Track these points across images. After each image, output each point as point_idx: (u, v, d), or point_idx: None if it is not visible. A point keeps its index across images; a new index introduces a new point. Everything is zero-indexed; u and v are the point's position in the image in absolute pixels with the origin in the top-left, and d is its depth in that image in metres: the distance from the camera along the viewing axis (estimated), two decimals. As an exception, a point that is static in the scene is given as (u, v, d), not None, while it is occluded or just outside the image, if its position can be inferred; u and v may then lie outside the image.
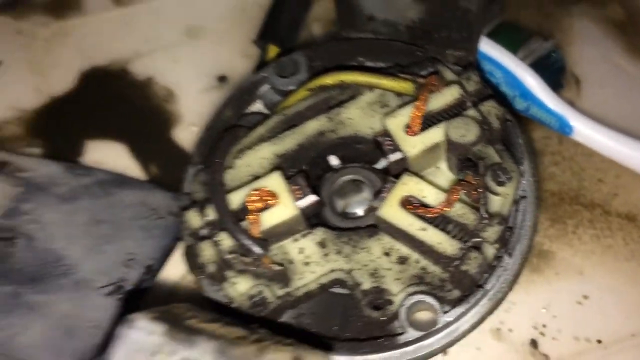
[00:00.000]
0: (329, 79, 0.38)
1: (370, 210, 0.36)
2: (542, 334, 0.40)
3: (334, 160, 0.39)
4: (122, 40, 0.51)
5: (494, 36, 0.46)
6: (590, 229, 0.43)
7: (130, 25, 0.52)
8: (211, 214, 0.35)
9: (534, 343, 0.40)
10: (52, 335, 0.32)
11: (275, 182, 0.35)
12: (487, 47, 0.44)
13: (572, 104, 0.47)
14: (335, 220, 0.37)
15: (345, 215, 0.38)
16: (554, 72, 0.46)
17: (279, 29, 0.48)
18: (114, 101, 0.48)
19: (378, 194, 0.35)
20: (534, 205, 0.35)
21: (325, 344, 0.31)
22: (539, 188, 0.36)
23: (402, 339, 0.32)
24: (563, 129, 0.44)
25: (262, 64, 0.47)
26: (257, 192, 0.34)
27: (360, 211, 0.38)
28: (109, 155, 0.46)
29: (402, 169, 0.35)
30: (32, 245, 0.35)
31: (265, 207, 0.34)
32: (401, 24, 0.40)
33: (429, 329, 0.32)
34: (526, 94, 0.44)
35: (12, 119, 0.47)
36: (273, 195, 0.34)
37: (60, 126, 0.47)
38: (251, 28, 0.51)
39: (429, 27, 0.39)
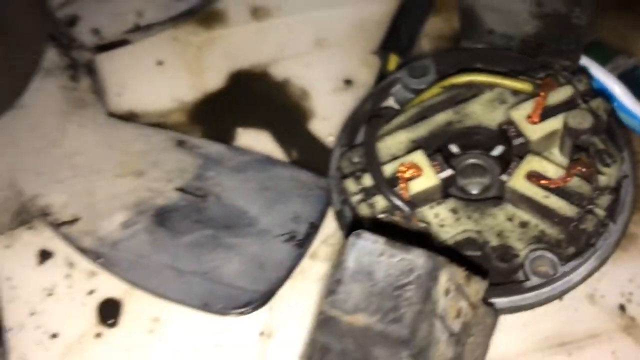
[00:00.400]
0: (460, 79, 0.46)
1: (497, 185, 0.44)
2: (629, 300, 0.45)
3: (454, 148, 0.47)
4: (261, 48, 0.59)
5: (586, 52, 0.54)
6: None
7: (266, 36, 0.60)
8: (366, 182, 0.43)
9: (622, 307, 0.46)
10: (248, 268, 0.39)
11: (419, 158, 0.43)
12: (583, 60, 0.52)
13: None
14: (461, 195, 0.45)
15: (465, 192, 0.46)
16: (638, 85, 0.54)
17: (400, 41, 0.56)
18: (257, 97, 0.56)
19: (505, 171, 0.43)
20: (632, 184, 0.43)
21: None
22: (635, 170, 0.44)
23: (527, 285, 0.40)
24: (646, 133, 0.51)
25: (383, 71, 0.55)
26: (405, 164, 0.42)
27: (476, 190, 0.46)
28: (256, 141, 0.53)
29: (524, 151, 0.43)
30: (220, 202, 0.43)
31: (411, 178, 0.42)
32: (517, 37, 0.47)
33: (548, 278, 0.40)
34: (614, 101, 0.52)
35: (175, 109, 0.55)
36: (418, 168, 0.42)
37: (214, 116, 0.54)
38: (369, 41, 0.58)
39: (541, 39, 0.47)
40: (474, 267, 0.33)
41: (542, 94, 0.43)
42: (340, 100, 0.55)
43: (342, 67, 0.58)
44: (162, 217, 0.42)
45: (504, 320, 0.43)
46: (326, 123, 0.54)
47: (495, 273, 0.40)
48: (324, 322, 0.29)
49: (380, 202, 0.42)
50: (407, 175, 0.42)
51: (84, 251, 0.41)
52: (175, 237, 0.41)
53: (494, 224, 0.42)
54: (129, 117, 0.53)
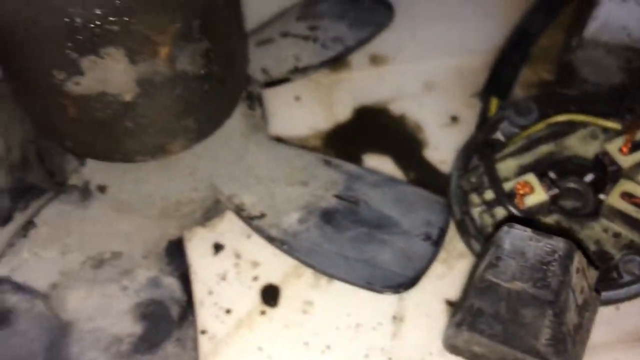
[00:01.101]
0: (562, 118, 0.57)
1: (593, 202, 0.54)
2: None
3: (552, 174, 0.58)
4: (379, 89, 0.69)
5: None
6: None
7: (383, 79, 0.70)
8: (488, 196, 0.54)
9: None
10: (398, 258, 0.49)
11: (531, 178, 0.53)
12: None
13: None
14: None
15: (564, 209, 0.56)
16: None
17: (500, 85, 0.67)
18: (379, 128, 0.65)
19: (601, 191, 0.53)
20: None
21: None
22: None
23: (620, 281, 0.50)
24: None
25: (485, 111, 0.67)
26: (521, 183, 0.53)
27: (578, 204, 0.55)
28: (380, 164, 0.62)
29: (618, 176, 0.53)
30: (369, 208, 0.53)
31: (525, 194, 0.53)
32: (605, 85, 0.58)
33: (637, 276, 0.50)
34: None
35: (312, 135, 0.66)
36: (531, 187, 0.53)
37: (344, 142, 0.64)
38: (469, 86, 0.68)
39: (625, 87, 0.58)
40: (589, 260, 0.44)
41: (632, 129, 0.53)
42: (449, 133, 0.65)
43: (448, 106, 0.68)
44: (328, 217, 0.53)
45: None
46: (437, 152, 0.64)
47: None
48: (484, 289, 0.39)
49: (500, 212, 0.52)
50: (522, 192, 0.52)
51: (271, 239, 0.51)
52: (340, 232, 0.52)
53: (592, 234, 0.52)
54: (279, 141, 0.65)
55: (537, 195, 0.52)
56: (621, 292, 0.49)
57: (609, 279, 0.50)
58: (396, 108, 0.69)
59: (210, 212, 0.55)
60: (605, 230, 0.52)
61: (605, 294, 0.49)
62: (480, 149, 0.58)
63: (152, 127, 0.49)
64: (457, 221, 0.55)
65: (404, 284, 0.49)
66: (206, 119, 0.52)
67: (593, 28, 0.55)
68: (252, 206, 0.53)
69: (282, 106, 0.68)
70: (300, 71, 0.63)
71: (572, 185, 0.56)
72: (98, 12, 0.41)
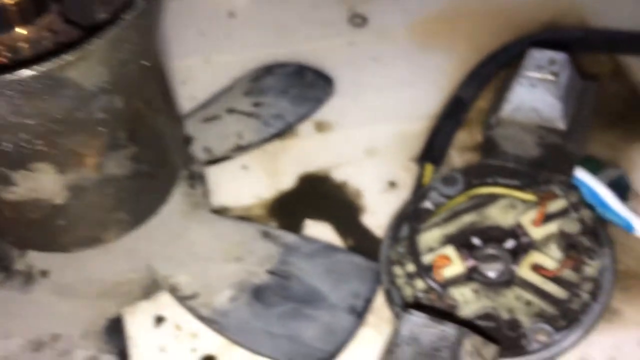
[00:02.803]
0: (482, 190, 0.61)
1: (505, 272, 0.57)
2: None
3: (476, 241, 0.61)
4: (323, 156, 0.72)
5: (582, 165, 0.68)
6: None
7: (328, 146, 0.73)
8: (409, 268, 0.57)
9: None
10: (322, 333, 0.52)
11: (450, 251, 0.57)
12: (580, 173, 0.66)
13: (635, 211, 0.68)
14: (480, 279, 0.59)
15: (485, 277, 0.59)
16: (622, 190, 0.66)
17: (434, 153, 0.71)
18: (321, 195, 0.68)
19: (510, 261, 0.57)
20: (611, 274, 0.56)
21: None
22: (615, 262, 0.57)
23: (529, 349, 0.53)
24: (628, 228, 0.64)
25: (420, 176, 0.70)
26: (440, 255, 0.57)
27: (493, 274, 0.59)
28: (320, 231, 0.65)
29: (529, 247, 0.57)
30: (300, 282, 0.56)
31: (443, 266, 0.57)
32: (525, 158, 0.62)
33: (545, 344, 0.53)
34: (602, 204, 0.64)
35: (256, 204, 0.69)
36: (448, 259, 0.57)
37: (287, 210, 0.68)
38: (409, 151, 0.72)
39: (543, 161, 0.61)
40: (488, 336, 0.47)
41: (544, 203, 0.57)
42: (386, 199, 0.68)
43: (387, 171, 0.72)
44: (258, 294, 0.56)
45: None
46: (375, 217, 0.67)
47: (506, 340, 0.54)
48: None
49: (419, 283, 0.56)
50: (440, 264, 0.56)
51: (202, 319, 0.55)
52: (268, 309, 0.55)
53: (505, 302, 0.55)
54: (222, 211, 0.69)
55: (454, 266, 0.56)
56: (530, 358, 0.53)
57: (519, 347, 0.53)
58: (339, 174, 0.73)
59: (150, 289, 0.58)
60: (518, 298, 0.55)
61: (515, 360, 0.53)
62: (408, 219, 0.61)
63: (84, 223, 0.53)
64: (385, 290, 0.59)
65: (323, 358, 0.53)
66: (139, 210, 0.56)
67: (508, 110, 0.59)
68: (186, 286, 0.56)
69: (228, 175, 0.72)
70: (242, 149, 0.67)
71: (491, 252, 0.59)
72: (25, 136, 0.45)
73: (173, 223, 0.59)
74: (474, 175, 0.63)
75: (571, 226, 0.55)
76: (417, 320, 0.43)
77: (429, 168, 0.69)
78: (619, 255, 0.64)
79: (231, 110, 0.69)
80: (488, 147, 0.63)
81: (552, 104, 0.56)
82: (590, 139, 0.73)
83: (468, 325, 0.44)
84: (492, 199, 0.61)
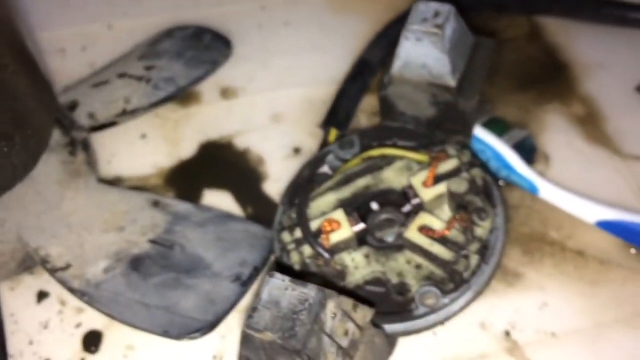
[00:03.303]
0: (374, 152, 0.59)
1: (399, 235, 0.55)
2: (513, 327, 0.53)
3: (374, 206, 0.59)
4: (227, 123, 0.70)
5: (487, 126, 0.65)
6: (551, 259, 0.57)
7: (232, 112, 0.72)
8: (298, 234, 0.55)
9: (507, 333, 0.54)
10: (201, 303, 0.50)
11: (339, 215, 0.55)
12: (482, 134, 0.64)
13: (542, 174, 0.67)
14: (375, 243, 0.57)
15: (381, 242, 0.58)
16: (528, 152, 0.65)
17: (338, 118, 0.69)
18: (223, 164, 0.66)
19: (405, 225, 0.54)
20: (503, 234, 0.54)
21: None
22: (508, 223, 0.56)
23: (417, 313, 0.51)
24: (533, 190, 0.63)
25: (325, 142, 0.67)
26: (328, 220, 0.54)
27: (391, 239, 0.57)
28: (220, 200, 0.63)
29: (420, 209, 0.55)
30: (184, 251, 0.54)
31: (332, 231, 0.54)
32: (422, 118, 0.60)
33: (433, 307, 0.51)
34: (507, 166, 0.63)
35: (154, 174, 0.66)
36: (338, 223, 0.54)
37: (186, 179, 0.66)
38: (316, 116, 0.70)
39: (439, 121, 0.59)
40: (366, 301, 0.45)
41: (434, 164, 0.55)
42: (290, 166, 0.66)
43: (292, 138, 0.70)
44: (136, 264, 0.54)
45: (408, 342, 0.54)
46: (277, 185, 0.65)
47: (395, 305, 0.52)
48: (245, 339, 0.40)
49: (307, 250, 0.54)
50: (329, 228, 0.54)
51: (73, 291, 0.52)
52: (146, 279, 0.52)
53: (396, 266, 0.53)
54: (117, 182, 0.65)
55: (343, 231, 0.53)
56: (418, 323, 0.51)
57: (407, 311, 0.51)
58: (242, 141, 0.70)
59: (27, 262, 0.55)
60: (409, 262, 0.53)
61: (404, 326, 0.51)
62: (302, 185, 0.59)
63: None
64: (277, 259, 0.56)
65: (201, 329, 0.50)
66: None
67: (398, 66, 0.56)
68: (58, 257, 0.53)
69: (126, 145, 0.69)
70: (129, 114, 0.64)
71: (387, 216, 0.57)
72: None
73: (48, 192, 0.56)
74: (372, 138, 0.61)
75: (461, 186, 0.53)
76: (278, 283, 0.41)
77: (333, 133, 0.67)
78: (524, 218, 0.62)
79: (122, 75, 0.65)
80: (385, 108, 0.61)
81: (440, 58, 0.53)
82: (502, 101, 0.71)
83: (353, 290, 0.42)
84: (389, 162, 0.58)
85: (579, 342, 0.54)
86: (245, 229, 0.59)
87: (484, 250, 0.52)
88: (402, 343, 0.54)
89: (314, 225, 0.54)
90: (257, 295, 0.41)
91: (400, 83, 0.57)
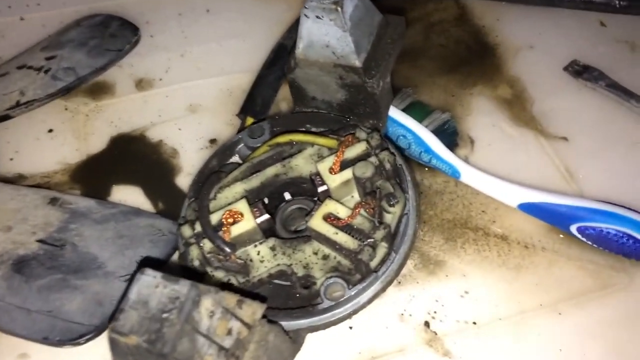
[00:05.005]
0: (281, 139, 0.55)
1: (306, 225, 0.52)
2: (433, 317, 0.52)
3: (287, 195, 0.56)
4: (142, 115, 0.67)
5: (407, 110, 0.62)
6: (473, 245, 0.56)
7: (147, 104, 0.68)
8: (198, 227, 0.52)
9: (427, 324, 0.52)
10: (88, 305, 0.47)
11: (242, 205, 0.51)
12: (402, 118, 0.61)
13: (467, 158, 0.64)
14: (285, 234, 0.54)
15: (293, 231, 0.54)
16: (449, 135, 0.62)
17: (254, 106, 0.66)
18: (134, 157, 0.63)
19: (308, 214, 0.51)
20: (414, 220, 0.51)
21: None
22: (418, 209, 0.52)
23: (321, 307, 0.48)
24: (455, 175, 0.60)
25: (241, 131, 0.65)
26: (229, 211, 0.51)
27: (289, 228, 0.54)
28: (129, 195, 0.60)
29: (326, 196, 0.52)
30: (76, 250, 0.51)
31: (234, 222, 0.51)
32: (333, 102, 0.57)
33: (338, 300, 0.48)
34: (428, 150, 0.60)
35: (60, 170, 0.63)
36: (240, 214, 0.51)
37: (94, 175, 0.62)
38: (235, 105, 0.68)
39: (350, 104, 0.56)
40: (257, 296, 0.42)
41: (340, 149, 0.52)
42: (205, 157, 0.62)
43: (209, 128, 0.66)
44: (20, 265, 0.50)
45: (319, 337, 0.51)
46: (190, 178, 0.62)
47: (300, 298, 0.49)
48: (112, 345, 0.37)
49: (207, 244, 0.50)
50: (230, 220, 0.50)
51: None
52: (29, 282, 0.49)
53: (302, 258, 0.50)
54: (17, 179, 0.62)
55: (245, 223, 0.50)
56: (323, 317, 0.48)
57: (311, 305, 0.48)
58: (155, 134, 0.67)
59: None
60: (316, 252, 0.50)
61: (309, 321, 0.48)
62: (208, 175, 0.56)
63: None
64: (180, 254, 0.53)
65: (86, 334, 0.47)
66: None
67: (301, 47, 0.53)
68: None
69: (31, 140, 0.65)
70: (22, 106, 0.60)
71: (298, 206, 0.54)
72: None
73: None
74: (283, 125, 0.58)
75: (366, 170, 0.50)
76: (148, 280, 0.37)
77: (250, 122, 0.64)
78: (447, 204, 0.60)
79: (21, 66, 0.62)
80: (296, 93, 0.58)
81: (341, 37, 0.51)
82: (426, 84, 0.69)
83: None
84: (300, 149, 0.55)
85: (501, 329, 0.52)
86: (151, 224, 0.56)
87: (393, 238, 0.49)
88: (313, 338, 0.51)
89: (216, 217, 0.51)
90: (123, 296, 0.38)
91: (306, 65, 0.54)
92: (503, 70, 0.70)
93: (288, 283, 0.50)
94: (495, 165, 0.61)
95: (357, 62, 0.52)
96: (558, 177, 0.61)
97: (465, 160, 0.61)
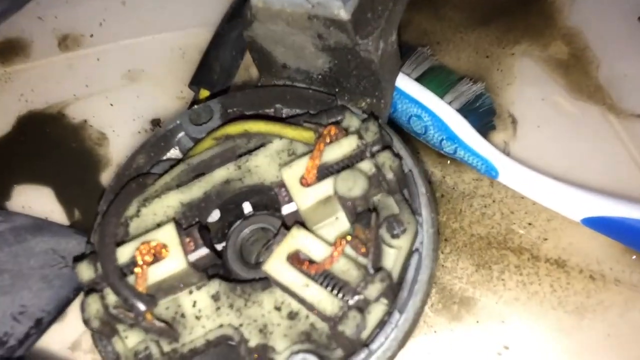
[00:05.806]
0: (232, 129, 0.37)
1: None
2: None
3: (247, 207, 0.39)
4: (63, 84, 0.51)
5: (424, 79, 0.44)
6: (516, 274, 0.41)
7: (73, 69, 0.51)
8: (100, 267, 0.34)
9: None
10: None
11: (167, 234, 0.34)
12: (416, 91, 0.43)
13: (506, 147, 0.46)
14: (241, 270, 0.36)
15: (252, 265, 0.37)
16: (483, 115, 0.45)
17: (210, 74, 0.48)
18: (46, 145, 0.48)
19: (267, 247, 0.34)
20: (429, 259, 0.34)
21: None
22: (437, 240, 0.35)
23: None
24: (489, 172, 0.42)
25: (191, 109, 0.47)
26: (147, 244, 0.34)
27: (239, 271, 0.37)
28: (36, 199, 0.45)
29: (295, 220, 0.34)
30: None
31: (155, 260, 0.34)
32: (313, 72, 0.39)
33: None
34: (453, 137, 0.43)
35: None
36: (164, 247, 0.34)
37: (-10, 170, 0.48)
38: (189, 71, 0.50)
39: (337, 75, 0.38)
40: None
41: (318, 147, 0.34)
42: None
43: (152, 103, 0.50)
44: None
45: None
46: (119, 175, 0.46)
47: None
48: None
49: (111, 294, 0.33)
50: (146, 258, 0.33)
51: None
52: None
53: (258, 315, 0.33)
54: None
55: (170, 261, 0.33)
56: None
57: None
58: (77, 112, 0.50)
59: None
60: (279, 307, 0.33)
61: None
62: (129, 181, 0.38)
63: None
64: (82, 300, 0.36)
65: None
66: None
67: (260, -11, 0.35)
68: None
69: None
70: None
71: (257, 226, 0.37)
72: None
73: None
74: (241, 104, 0.40)
75: (356, 187, 0.32)
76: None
77: (204, 94, 0.46)
78: (478, 213, 0.42)
79: None
80: (259, 58, 0.40)
81: (316, -28, 0.32)
82: (451, 41, 0.50)
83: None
84: (259, 140, 0.37)
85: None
86: (54, 247, 0.40)
87: (395, 293, 0.32)
88: None
89: (129, 250, 0.33)
90: None
91: (267, 18, 0.36)
92: (557, 20, 0.52)
93: (232, 356, 0.33)
94: (547, 158, 0.44)
95: (343, 13, 0.33)
96: (636, 173, 0.44)
97: (505, 150, 0.43)
